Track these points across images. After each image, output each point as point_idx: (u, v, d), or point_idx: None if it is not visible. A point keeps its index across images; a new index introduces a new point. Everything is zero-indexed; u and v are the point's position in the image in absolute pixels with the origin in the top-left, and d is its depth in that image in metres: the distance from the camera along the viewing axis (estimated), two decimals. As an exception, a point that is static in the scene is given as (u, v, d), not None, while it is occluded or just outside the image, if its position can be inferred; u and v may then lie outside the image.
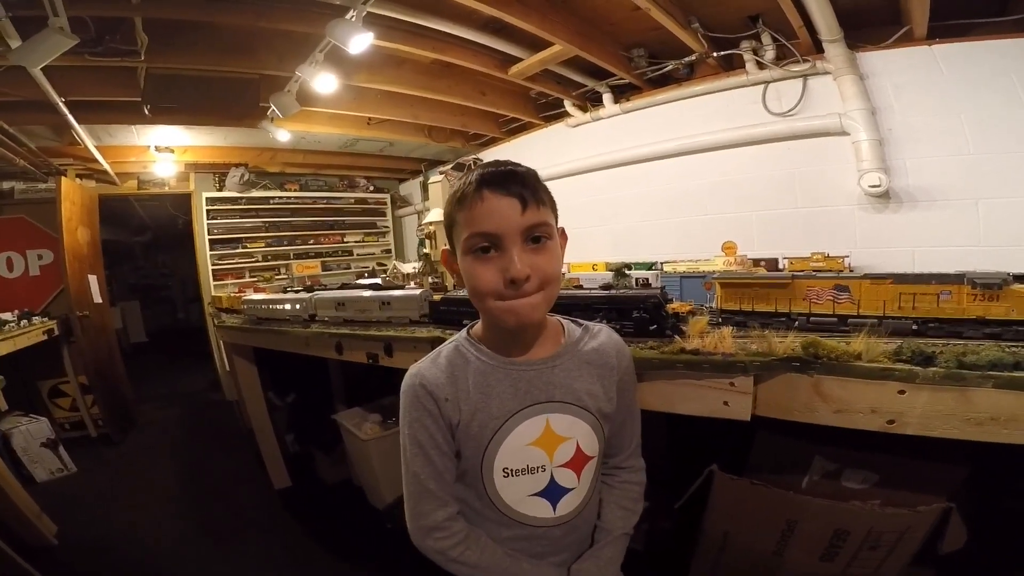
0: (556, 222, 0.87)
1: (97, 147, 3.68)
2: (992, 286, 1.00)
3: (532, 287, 0.81)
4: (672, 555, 1.52)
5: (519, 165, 0.85)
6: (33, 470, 3.22)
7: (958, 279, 1.05)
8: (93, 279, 4.18)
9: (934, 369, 0.88)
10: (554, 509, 0.91)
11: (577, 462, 0.91)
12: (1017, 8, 2.01)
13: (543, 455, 0.89)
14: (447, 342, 0.96)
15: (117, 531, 2.60)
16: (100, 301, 4.26)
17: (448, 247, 0.93)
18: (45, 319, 3.68)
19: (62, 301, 3.93)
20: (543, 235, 0.83)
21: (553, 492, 0.91)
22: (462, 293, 1.82)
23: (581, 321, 1.01)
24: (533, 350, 0.91)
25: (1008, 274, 1.01)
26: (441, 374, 0.89)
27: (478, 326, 0.96)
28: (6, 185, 4.03)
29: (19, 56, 1.97)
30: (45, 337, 3.55)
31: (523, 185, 0.81)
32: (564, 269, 2.38)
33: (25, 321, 3.43)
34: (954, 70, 2.14)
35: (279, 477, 3.06)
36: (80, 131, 3.17)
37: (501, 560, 0.88)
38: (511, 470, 0.89)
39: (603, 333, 0.99)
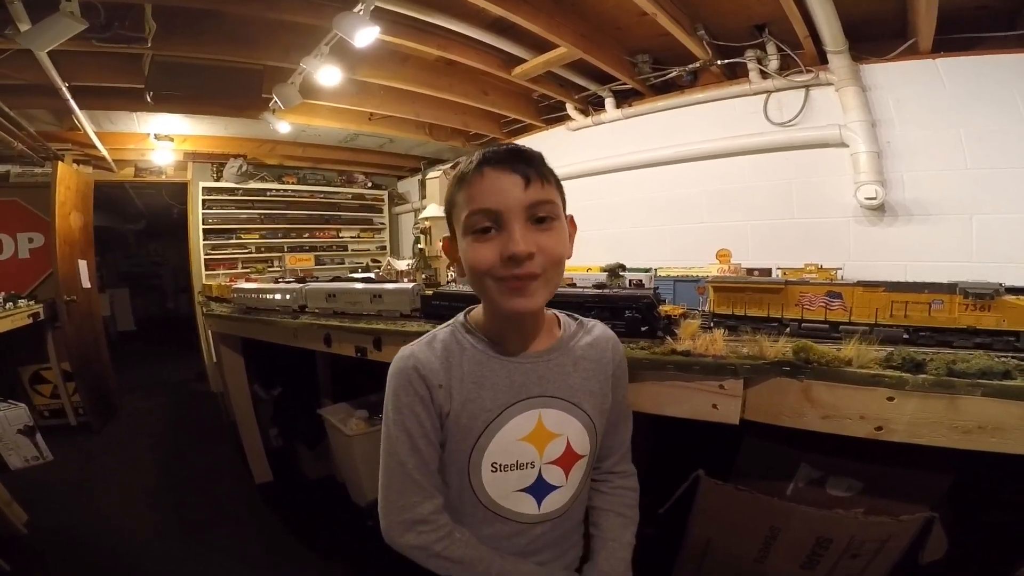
0: (564, 207, 0.84)
1: (97, 133, 3.66)
2: (984, 296, 1.00)
3: (535, 267, 0.77)
4: (654, 561, 1.50)
5: (524, 146, 0.82)
6: (7, 457, 3.12)
7: (950, 289, 1.05)
8: (83, 264, 4.14)
9: (924, 376, 0.88)
10: (539, 506, 0.89)
11: (566, 460, 0.89)
12: (1026, 22, 2.02)
13: (533, 451, 0.86)
14: (442, 326, 0.92)
15: (90, 521, 2.55)
16: (89, 287, 4.22)
17: (449, 235, 0.89)
18: (31, 302, 3.62)
19: (50, 285, 3.89)
20: (548, 215, 0.79)
21: (540, 488, 0.88)
22: (454, 288, 1.81)
23: (577, 316, 0.99)
24: (530, 342, 0.89)
25: (1000, 285, 1.01)
26: (436, 359, 0.84)
27: (476, 311, 0.92)
28: (2, 168, 3.99)
29: (27, 39, 1.96)
30: (30, 321, 3.49)
31: (527, 163, 0.78)
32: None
33: (10, 304, 3.37)
34: (956, 84, 2.16)
35: (260, 471, 3.02)
36: (81, 117, 3.15)
37: (485, 554, 0.85)
38: (500, 465, 0.85)
39: (597, 328, 0.97)
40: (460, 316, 0.93)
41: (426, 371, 0.83)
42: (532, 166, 0.78)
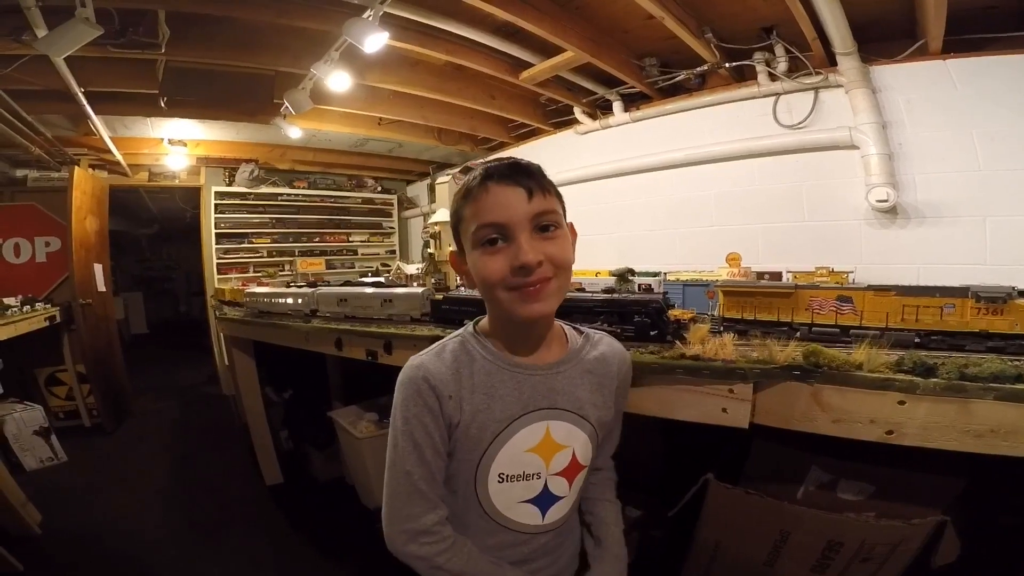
0: (564, 215, 0.86)
1: (111, 138, 3.72)
2: (996, 300, 0.99)
3: (545, 273, 0.79)
4: (662, 564, 1.50)
5: (522, 159, 0.85)
6: (23, 458, 3.19)
7: (962, 292, 1.04)
8: (98, 268, 4.21)
9: (935, 380, 0.87)
10: (543, 517, 0.90)
11: (571, 471, 0.90)
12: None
13: (540, 462, 0.87)
14: (451, 336, 0.93)
15: (103, 522, 2.58)
16: (104, 290, 4.28)
17: (455, 249, 0.91)
18: (48, 305, 3.68)
19: (66, 289, 3.96)
20: (552, 223, 0.81)
21: (545, 500, 0.89)
22: (464, 292, 1.83)
23: (582, 328, 1.00)
24: (539, 353, 0.90)
25: (1013, 288, 1.00)
26: (446, 370, 0.85)
27: (484, 322, 0.93)
28: (20, 173, 4.07)
29: (44, 45, 2.01)
30: (46, 323, 3.55)
31: (528, 176, 0.81)
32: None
33: (28, 307, 3.43)
34: (967, 85, 2.14)
35: (271, 473, 3.04)
36: (96, 122, 3.21)
37: (486, 568, 0.85)
38: (506, 475, 0.86)
39: (604, 341, 0.98)
40: (469, 326, 0.94)
41: (436, 381, 0.83)
42: (534, 179, 0.81)
